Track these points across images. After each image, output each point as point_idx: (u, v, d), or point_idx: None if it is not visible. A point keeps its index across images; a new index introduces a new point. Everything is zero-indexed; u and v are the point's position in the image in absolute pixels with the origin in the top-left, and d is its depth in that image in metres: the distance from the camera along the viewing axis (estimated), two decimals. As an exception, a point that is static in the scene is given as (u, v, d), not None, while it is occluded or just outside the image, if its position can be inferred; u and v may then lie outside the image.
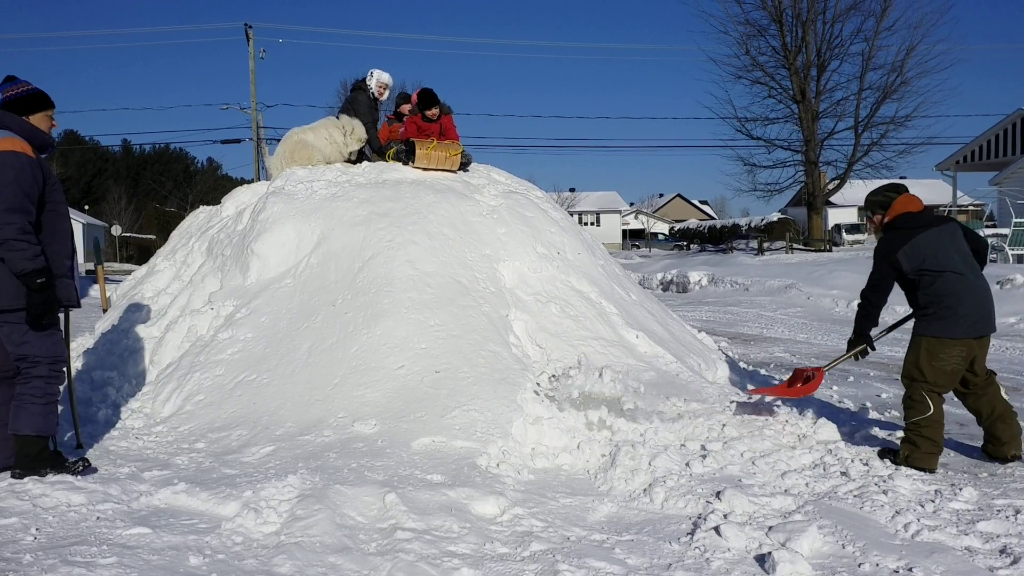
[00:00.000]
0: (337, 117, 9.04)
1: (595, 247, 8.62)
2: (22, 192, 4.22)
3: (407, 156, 8.33)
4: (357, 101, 9.27)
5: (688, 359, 6.99)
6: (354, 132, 8.74)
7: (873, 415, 6.53)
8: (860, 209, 58.17)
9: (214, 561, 3.41)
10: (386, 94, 9.58)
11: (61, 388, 4.62)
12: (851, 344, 5.50)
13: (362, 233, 7.06)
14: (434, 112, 8.59)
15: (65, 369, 4.64)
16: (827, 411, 6.28)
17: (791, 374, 5.98)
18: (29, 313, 4.28)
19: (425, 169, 8.22)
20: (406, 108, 9.63)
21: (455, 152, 8.32)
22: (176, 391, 6.02)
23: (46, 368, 4.42)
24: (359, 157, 9.00)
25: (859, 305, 5.44)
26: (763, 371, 8.54)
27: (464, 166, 8.52)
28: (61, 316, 4.64)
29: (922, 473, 4.89)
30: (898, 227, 5.15)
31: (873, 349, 5.51)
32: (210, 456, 4.97)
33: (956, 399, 5.46)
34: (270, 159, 9.01)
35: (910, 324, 5.38)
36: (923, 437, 5.01)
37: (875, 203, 5.36)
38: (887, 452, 5.19)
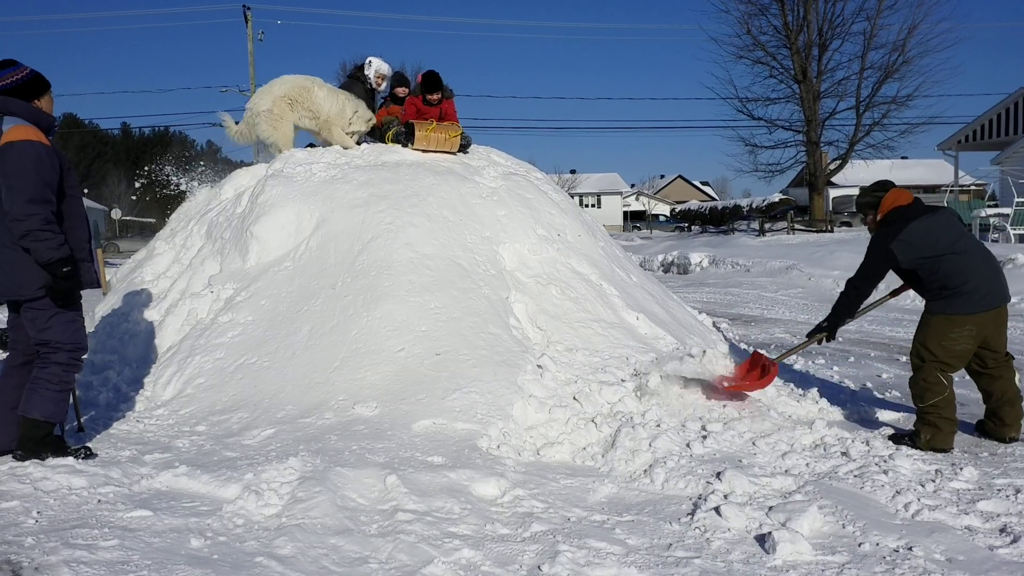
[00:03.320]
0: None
1: (595, 229, 8.59)
2: (43, 182, 4.21)
3: (406, 138, 8.26)
4: (352, 92, 9.13)
5: (688, 340, 6.98)
6: (358, 114, 8.62)
7: (874, 395, 6.53)
8: (862, 189, 58.04)
9: (215, 543, 3.42)
10: (383, 85, 9.41)
11: (77, 376, 4.62)
12: (818, 329, 5.58)
13: (361, 215, 7.04)
14: (436, 96, 8.45)
15: (84, 358, 4.64)
16: (827, 391, 6.28)
17: (750, 356, 6.00)
18: (53, 299, 4.32)
19: (424, 151, 8.17)
20: (402, 91, 9.51)
21: (455, 134, 8.24)
22: (177, 374, 6.02)
23: (66, 355, 4.43)
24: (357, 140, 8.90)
25: (844, 293, 5.44)
26: (764, 352, 8.54)
27: (464, 148, 8.44)
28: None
29: (922, 453, 4.89)
30: (890, 222, 5.20)
31: (832, 339, 5.58)
32: (211, 439, 4.98)
33: (967, 377, 5.45)
34: (259, 91, 8.71)
35: (919, 304, 5.40)
36: (943, 418, 5.00)
37: (865, 204, 5.44)
38: (900, 437, 5.13)
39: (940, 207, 5.32)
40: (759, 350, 6.38)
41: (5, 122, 4.30)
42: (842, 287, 5.55)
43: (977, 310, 4.99)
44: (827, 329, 5.51)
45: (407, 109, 8.62)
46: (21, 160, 4.16)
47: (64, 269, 4.27)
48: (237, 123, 8.74)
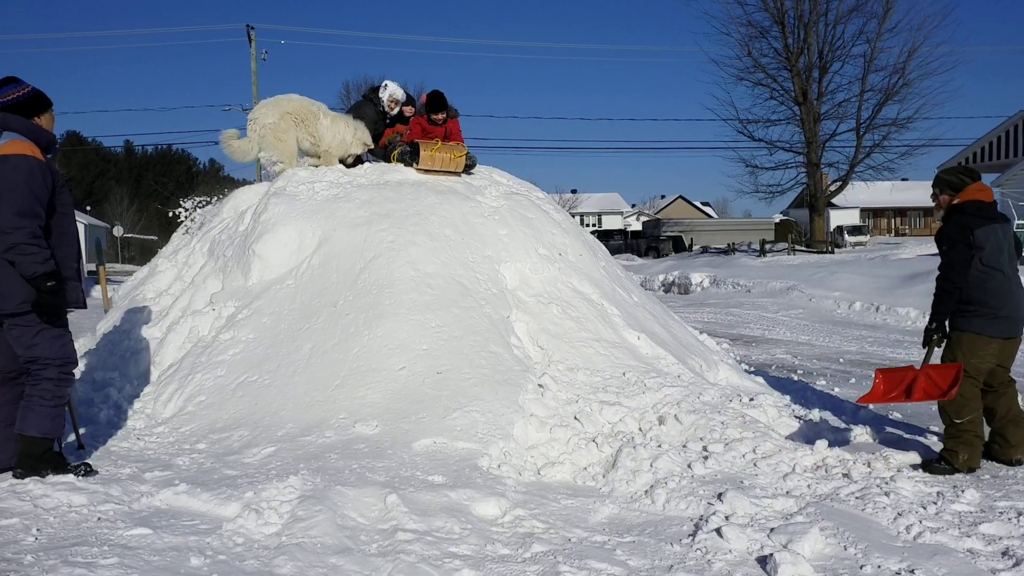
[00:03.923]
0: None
1: (596, 248, 8.61)
2: (32, 196, 4.22)
3: (411, 158, 8.22)
4: (364, 116, 9.11)
5: (690, 360, 6.98)
6: (357, 134, 8.64)
7: (875, 416, 6.51)
8: (862, 211, 58.08)
9: (215, 562, 3.41)
10: (396, 109, 9.43)
11: (69, 391, 4.62)
12: (929, 333, 5.16)
13: (363, 234, 7.06)
14: (441, 115, 8.41)
15: (75, 372, 4.64)
16: (829, 412, 6.27)
17: (881, 376, 5.40)
18: (38, 314, 4.30)
19: (429, 171, 8.14)
20: (408, 110, 9.54)
21: (459, 154, 8.21)
22: (177, 392, 6.02)
23: (56, 371, 4.42)
24: (355, 160, 8.87)
25: (940, 289, 5.08)
26: (766, 372, 8.53)
27: (468, 168, 8.39)
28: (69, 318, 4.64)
29: (924, 475, 4.88)
30: (968, 212, 5.04)
31: (944, 333, 5.17)
32: (211, 457, 4.97)
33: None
34: (260, 105, 8.61)
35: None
36: (978, 436, 4.98)
37: (946, 183, 5.22)
38: (929, 463, 5.03)
39: (1007, 219, 5.20)
40: (881, 367, 5.91)
41: (3, 137, 4.33)
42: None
43: (1005, 335, 5.01)
44: (938, 329, 5.14)
45: (412, 128, 8.59)
46: (12, 173, 4.18)
47: (48, 284, 4.25)
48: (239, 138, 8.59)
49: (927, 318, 5.25)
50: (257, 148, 8.40)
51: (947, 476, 4.88)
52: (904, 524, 4.05)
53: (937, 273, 5.20)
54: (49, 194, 4.35)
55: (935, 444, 5.53)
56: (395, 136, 9.08)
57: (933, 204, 5.37)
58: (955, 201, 5.15)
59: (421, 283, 6.56)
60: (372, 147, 8.92)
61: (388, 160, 8.76)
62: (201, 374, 6.11)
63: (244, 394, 5.82)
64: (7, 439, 4.40)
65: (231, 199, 8.43)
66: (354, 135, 8.57)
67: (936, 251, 5.23)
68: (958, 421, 4.99)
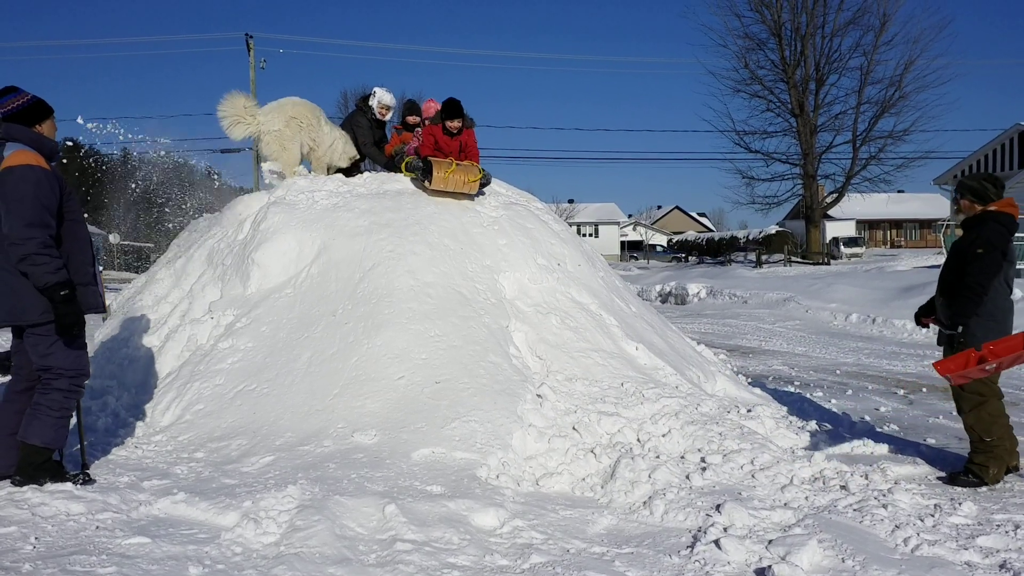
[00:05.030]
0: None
1: (595, 259, 8.63)
2: (41, 206, 4.22)
3: (423, 174, 7.89)
4: (358, 124, 9.07)
5: (687, 371, 6.99)
6: (344, 152, 8.68)
7: (872, 428, 6.53)
8: (858, 222, 58.20)
9: (213, 571, 3.40)
10: (388, 115, 9.36)
11: (76, 403, 4.61)
12: (954, 339, 5.05)
13: (363, 243, 7.07)
14: (456, 124, 8.02)
15: (86, 384, 4.63)
16: (826, 423, 6.28)
17: (940, 367, 5.08)
18: (59, 325, 4.31)
19: (442, 192, 7.83)
20: (413, 119, 9.50)
21: (474, 179, 7.84)
22: (176, 400, 6.01)
23: (67, 382, 4.42)
24: (350, 170, 8.86)
25: (971, 292, 4.94)
26: (763, 383, 8.54)
27: (483, 186, 8.09)
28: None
29: (921, 487, 4.89)
30: (1003, 223, 4.99)
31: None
32: (209, 466, 4.96)
33: (954, 412, 5.45)
34: (268, 107, 8.51)
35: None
36: (1005, 450, 5.00)
37: (972, 190, 5.11)
38: (955, 476, 5.04)
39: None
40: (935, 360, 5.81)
41: (7, 148, 4.33)
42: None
43: None
44: (963, 334, 4.99)
45: (424, 140, 8.19)
46: (20, 184, 4.18)
47: (61, 293, 4.25)
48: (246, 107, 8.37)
49: (937, 330, 5.28)
50: (254, 125, 8.31)
51: (943, 489, 4.90)
52: (902, 536, 4.05)
53: (946, 275, 5.16)
54: (58, 203, 4.35)
55: (931, 457, 5.54)
56: (401, 146, 9.05)
57: (953, 210, 5.36)
58: (990, 208, 5.06)
59: (420, 292, 6.57)
60: (357, 158, 8.91)
61: (394, 170, 8.69)
62: (199, 382, 6.11)
63: (243, 403, 5.81)
64: (9, 447, 4.40)
65: (231, 208, 8.43)
66: (342, 150, 8.63)
67: (932, 263, 5.28)
68: (988, 439, 5.00)
